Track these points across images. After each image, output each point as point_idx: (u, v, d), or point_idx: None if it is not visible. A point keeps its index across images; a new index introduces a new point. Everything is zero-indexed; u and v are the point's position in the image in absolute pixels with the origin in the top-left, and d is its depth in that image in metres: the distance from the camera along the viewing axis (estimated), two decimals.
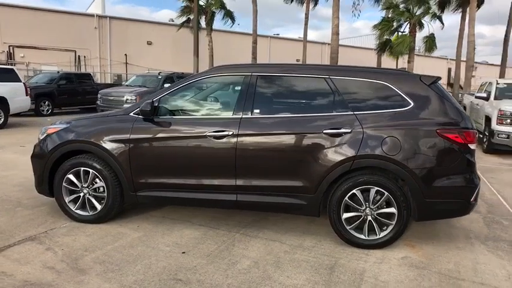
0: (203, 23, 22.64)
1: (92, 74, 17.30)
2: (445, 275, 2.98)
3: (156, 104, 3.66)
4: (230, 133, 3.47)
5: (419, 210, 3.31)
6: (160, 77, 13.94)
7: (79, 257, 3.14)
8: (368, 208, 3.35)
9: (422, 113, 3.33)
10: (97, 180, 3.79)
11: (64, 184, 3.83)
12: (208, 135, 3.51)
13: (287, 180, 3.46)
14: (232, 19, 22.67)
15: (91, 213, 3.83)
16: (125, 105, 12.36)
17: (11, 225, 3.76)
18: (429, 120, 3.31)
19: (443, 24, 19.97)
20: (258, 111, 3.55)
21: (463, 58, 17.64)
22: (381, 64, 19.83)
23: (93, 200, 3.83)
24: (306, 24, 23.42)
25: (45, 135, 3.94)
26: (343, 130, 3.33)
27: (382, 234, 3.37)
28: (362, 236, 3.40)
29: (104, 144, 3.68)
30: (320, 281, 2.86)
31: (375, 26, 20.20)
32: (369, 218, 3.37)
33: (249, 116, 3.52)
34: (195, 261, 3.12)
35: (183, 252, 3.28)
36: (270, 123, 3.50)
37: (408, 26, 19.45)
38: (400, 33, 19.80)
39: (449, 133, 3.25)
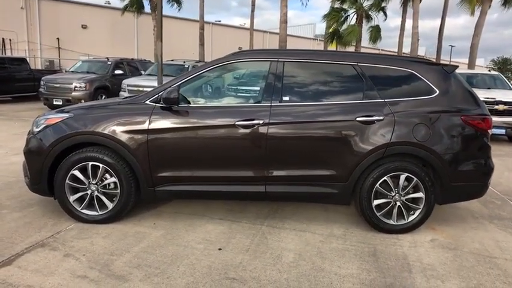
0: (147, 7, 21.50)
1: (27, 59, 15.55)
2: (478, 254, 3.17)
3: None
4: (261, 122, 3.31)
5: (444, 194, 3.46)
6: (109, 62, 12.97)
7: (108, 262, 2.81)
8: (397, 194, 3.43)
9: (446, 100, 3.46)
10: (107, 175, 3.41)
11: (68, 181, 3.38)
12: (237, 125, 3.32)
13: (318, 170, 3.41)
14: (179, 3, 21.82)
15: (101, 212, 3.45)
16: (73, 93, 11.35)
17: (5, 231, 3.25)
18: (453, 107, 3.45)
19: (386, 15, 21.17)
20: (287, 98, 3.43)
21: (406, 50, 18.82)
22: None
23: (103, 198, 3.44)
24: (252, 11, 23.30)
25: (42, 126, 3.43)
26: (376, 117, 3.35)
27: (411, 218, 3.48)
28: (391, 222, 3.48)
29: (117, 136, 3.31)
30: (371, 268, 2.87)
31: (325, 16, 20.77)
32: (398, 203, 3.45)
33: (279, 103, 3.39)
34: (238, 258, 2.95)
35: (220, 249, 3.09)
36: (300, 111, 3.40)
37: (356, 16, 20.29)
38: (349, 24, 20.59)
39: (473, 119, 3.42)
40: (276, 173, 3.40)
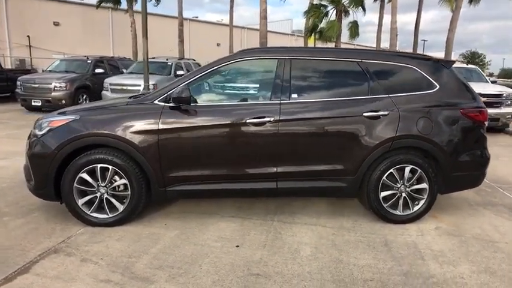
0: (124, 3, 21.02)
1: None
2: (480, 239, 3.34)
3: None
4: (272, 119, 3.35)
5: (446, 184, 3.62)
6: (89, 61, 12.64)
7: (128, 264, 2.79)
8: (402, 185, 3.56)
9: (446, 94, 3.61)
10: (116, 177, 3.37)
11: (76, 185, 3.32)
12: (249, 122, 3.35)
13: (328, 164, 3.49)
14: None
15: (111, 215, 3.40)
16: (53, 94, 11.01)
17: (13, 238, 3.16)
18: (453, 101, 3.60)
19: (365, 11, 21.52)
20: (295, 95, 3.48)
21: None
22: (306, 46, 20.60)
23: (113, 200, 3.40)
24: (231, 8, 23.21)
25: (46, 129, 3.34)
26: (381, 112, 3.45)
27: (416, 208, 3.62)
28: (397, 212, 3.60)
29: (127, 137, 3.27)
30: (386, 258, 2.98)
31: (305, 13, 20.93)
32: (403, 194, 3.58)
33: (288, 101, 3.44)
34: (257, 254, 3.00)
35: (237, 246, 3.12)
36: (309, 107, 3.47)
37: (335, 12, 20.56)
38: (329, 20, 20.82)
39: (471, 112, 3.59)
40: (286, 169, 3.46)
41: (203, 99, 3.58)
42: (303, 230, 3.46)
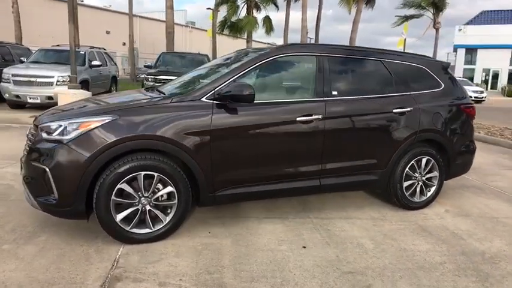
0: None
1: None
2: (485, 217, 3.90)
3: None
4: (319, 117, 3.35)
5: (448, 171, 4.12)
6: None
7: (217, 281, 2.50)
8: (419, 175, 3.93)
9: (449, 92, 4.10)
10: (159, 185, 2.96)
11: (113, 198, 2.81)
12: (298, 120, 3.28)
13: (364, 159, 3.65)
14: None
15: (155, 228, 2.98)
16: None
17: (43, 272, 2.53)
18: (454, 98, 4.11)
19: (277, 7, 22.15)
20: (335, 93, 3.53)
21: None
22: (215, 42, 20.44)
23: (158, 212, 2.97)
24: None
25: (76, 133, 2.73)
26: (407, 109, 3.74)
27: (429, 194, 4.03)
28: (415, 199, 3.97)
29: (178, 139, 2.90)
30: (435, 241, 3.27)
31: (217, 5, 20.59)
32: (420, 183, 3.96)
33: (331, 98, 3.47)
34: (330, 252, 2.99)
35: (304, 247, 3.06)
36: (348, 104, 3.56)
37: (246, 7, 20.78)
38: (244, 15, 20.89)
39: (468, 108, 4.15)
40: (329, 166, 3.50)
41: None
42: (346, 225, 3.55)
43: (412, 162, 3.85)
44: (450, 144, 4.00)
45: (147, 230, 2.96)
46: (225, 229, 3.32)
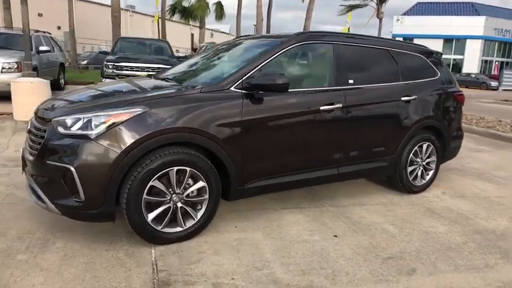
0: None
1: None
2: (479, 197, 4.19)
3: None
4: (340, 106, 3.35)
5: (444, 155, 4.36)
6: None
7: (270, 277, 2.43)
8: (420, 160, 4.12)
9: (444, 81, 4.31)
10: (190, 181, 2.78)
11: (145, 196, 2.59)
12: (322, 109, 3.25)
13: (377, 147, 3.74)
14: None
15: (186, 226, 2.81)
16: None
17: (81, 281, 2.28)
18: (448, 86, 4.34)
19: None
20: (352, 81, 3.54)
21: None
22: (165, 28, 19.54)
23: (189, 209, 2.80)
24: None
25: (105, 126, 2.45)
26: (413, 97, 3.88)
27: (427, 178, 4.25)
28: (417, 183, 4.16)
29: (211, 131, 2.74)
30: (448, 222, 3.46)
31: None
32: (421, 167, 4.15)
33: (349, 87, 3.48)
34: (361, 239, 3.03)
35: (335, 236, 3.08)
36: (365, 93, 3.60)
37: None
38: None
39: (459, 95, 4.40)
40: (347, 154, 3.54)
41: None
42: (362, 211, 3.62)
43: (416, 148, 4.02)
44: (446, 130, 4.23)
45: (179, 229, 2.78)
46: (249, 222, 3.23)
